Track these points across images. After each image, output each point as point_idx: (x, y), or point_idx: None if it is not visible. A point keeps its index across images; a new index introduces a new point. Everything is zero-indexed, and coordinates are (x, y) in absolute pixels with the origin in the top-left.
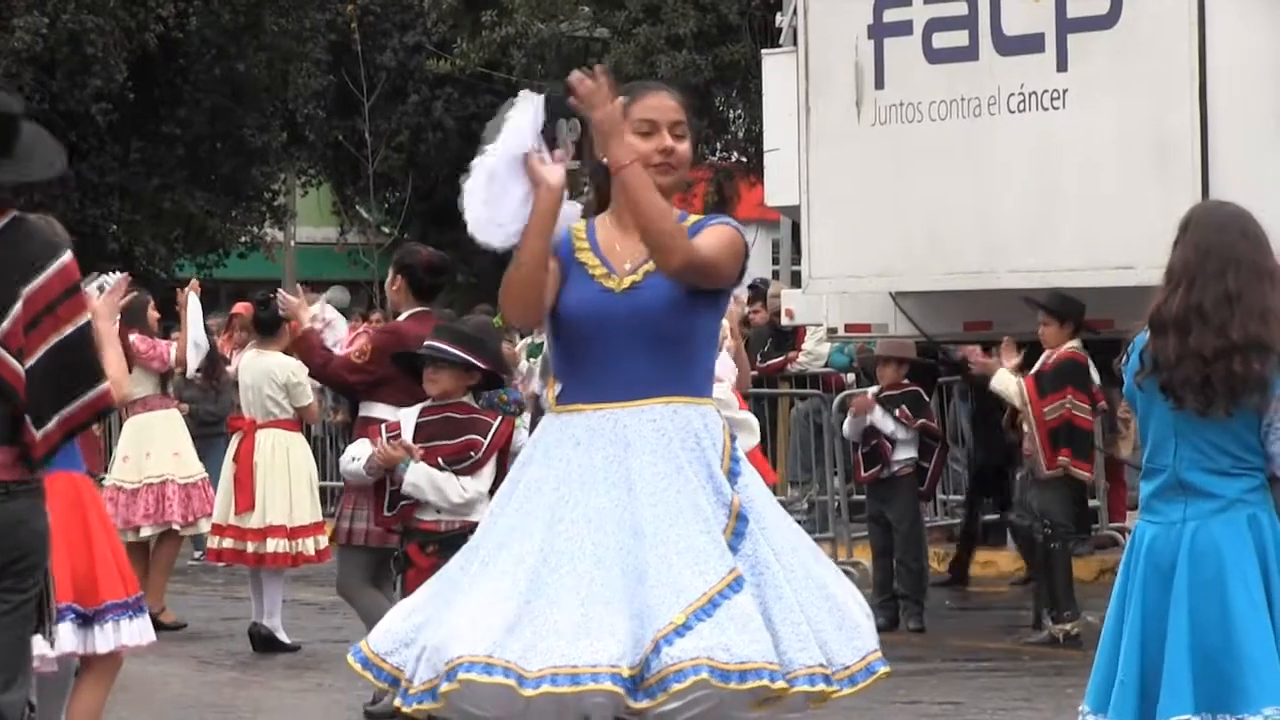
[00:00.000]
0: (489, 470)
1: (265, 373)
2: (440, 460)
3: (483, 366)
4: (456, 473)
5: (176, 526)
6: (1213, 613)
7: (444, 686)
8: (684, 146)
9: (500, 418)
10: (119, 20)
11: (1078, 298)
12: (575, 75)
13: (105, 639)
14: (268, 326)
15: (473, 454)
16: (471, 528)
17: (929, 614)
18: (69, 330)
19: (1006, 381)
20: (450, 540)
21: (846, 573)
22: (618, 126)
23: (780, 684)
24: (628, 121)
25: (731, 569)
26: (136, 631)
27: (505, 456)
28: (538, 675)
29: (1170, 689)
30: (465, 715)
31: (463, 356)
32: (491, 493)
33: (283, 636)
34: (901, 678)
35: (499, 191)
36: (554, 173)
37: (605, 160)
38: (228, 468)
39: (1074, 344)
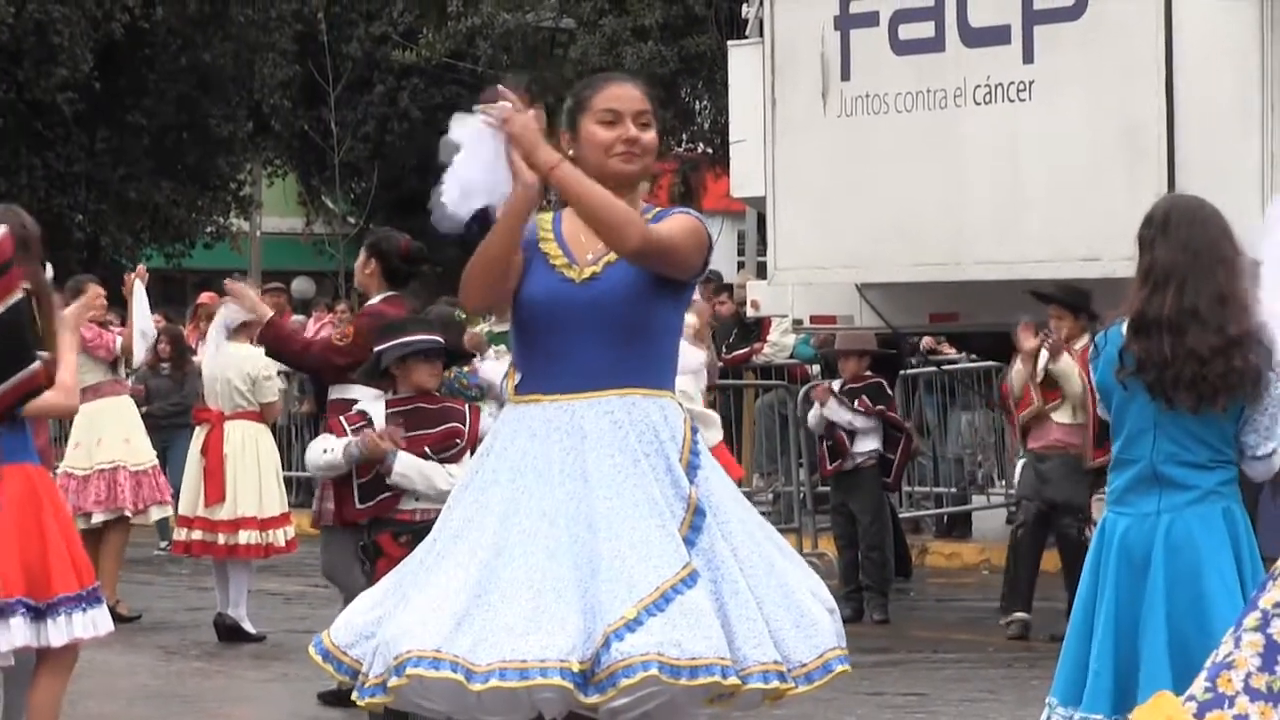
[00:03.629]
0: (467, 456)
1: (232, 364)
2: (426, 449)
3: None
4: (442, 461)
5: (128, 513)
6: (1189, 604)
7: (393, 681)
8: (649, 135)
9: (468, 405)
10: (85, 10)
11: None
12: (485, 97)
13: (59, 632)
14: None
15: (458, 441)
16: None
17: (895, 605)
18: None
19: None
20: (423, 531)
21: (811, 564)
22: (535, 136)
23: (732, 680)
24: (591, 112)
25: (686, 563)
26: (91, 623)
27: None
28: (486, 670)
29: (1149, 681)
30: (418, 708)
31: (445, 344)
32: None
33: (248, 627)
34: (866, 669)
35: (468, 161)
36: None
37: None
38: (195, 460)
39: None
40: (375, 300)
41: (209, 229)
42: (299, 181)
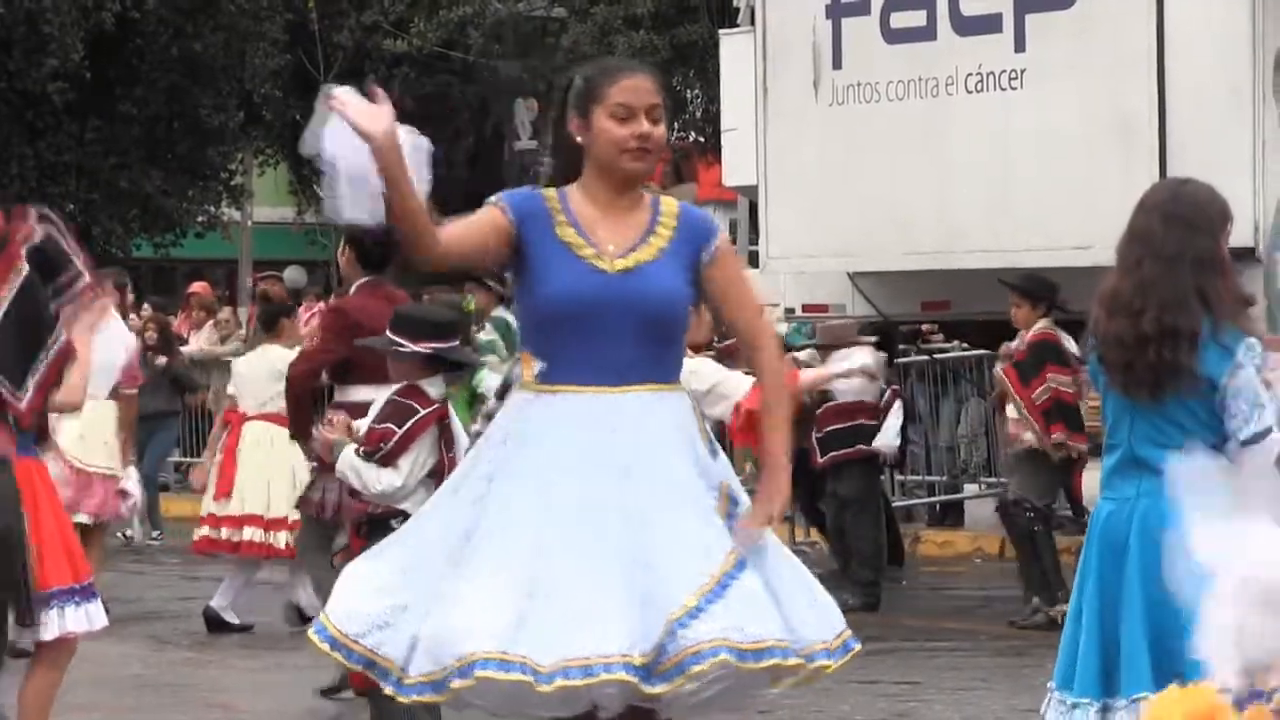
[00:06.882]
0: (407, 461)
1: (266, 365)
2: (360, 449)
3: (427, 353)
4: (379, 463)
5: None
6: (1164, 593)
7: (457, 683)
8: (660, 130)
9: (432, 407)
10: (75, 0)
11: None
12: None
13: (50, 626)
14: (269, 320)
15: (382, 446)
16: (395, 514)
17: (887, 594)
18: (17, 282)
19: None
20: (376, 523)
21: (803, 552)
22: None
23: (792, 660)
24: (604, 104)
25: (732, 549)
26: (84, 618)
27: (448, 445)
28: (551, 669)
29: (1130, 667)
30: (466, 706)
31: (407, 349)
32: (438, 476)
33: (230, 617)
34: (859, 657)
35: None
36: (379, 121)
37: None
38: (216, 457)
39: (1044, 324)
40: (353, 288)
41: (200, 218)
42: (290, 171)
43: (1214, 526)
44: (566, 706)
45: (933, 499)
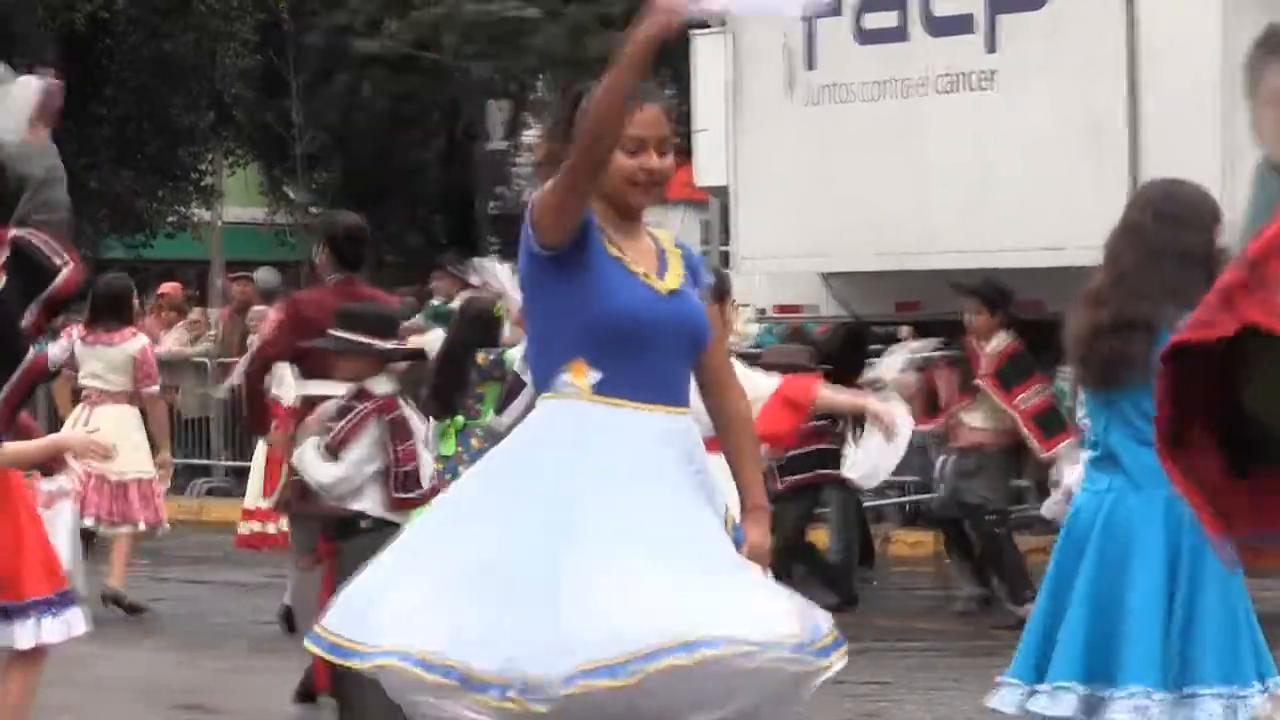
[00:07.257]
0: (349, 455)
1: None
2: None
3: (378, 346)
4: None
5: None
6: (1112, 591)
7: (681, 658)
8: (668, 162)
9: (371, 402)
10: (45, 0)
11: (1009, 279)
12: None
13: (25, 635)
14: None
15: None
16: (354, 515)
17: (857, 593)
18: None
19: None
20: (340, 525)
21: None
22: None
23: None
24: None
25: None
26: (60, 628)
27: (401, 439)
28: (764, 643)
29: (1061, 655)
30: (637, 697)
31: (354, 342)
32: (386, 474)
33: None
34: None
35: None
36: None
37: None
38: (260, 454)
39: (1009, 334)
40: (319, 287)
41: (171, 219)
42: (261, 171)
43: None
44: (736, 698)
45: (903, 499)
